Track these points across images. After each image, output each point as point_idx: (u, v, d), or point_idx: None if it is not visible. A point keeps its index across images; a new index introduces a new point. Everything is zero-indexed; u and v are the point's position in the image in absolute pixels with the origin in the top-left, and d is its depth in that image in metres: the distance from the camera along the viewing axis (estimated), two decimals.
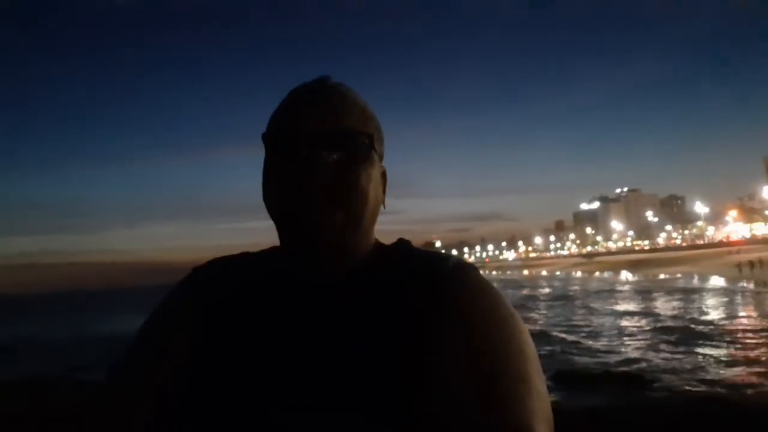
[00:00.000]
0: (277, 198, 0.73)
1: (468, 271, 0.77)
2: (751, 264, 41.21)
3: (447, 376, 0.65)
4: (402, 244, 0.82)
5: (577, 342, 17.38)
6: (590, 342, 17.17)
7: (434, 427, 0.62)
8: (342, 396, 0.67)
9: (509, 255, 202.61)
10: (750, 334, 15.89)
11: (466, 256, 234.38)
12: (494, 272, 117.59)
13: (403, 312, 0.71)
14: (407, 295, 0.73)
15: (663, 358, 13.64)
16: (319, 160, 0.69)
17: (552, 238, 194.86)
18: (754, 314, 20.14)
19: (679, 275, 48.88)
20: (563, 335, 19.03)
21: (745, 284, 33.84)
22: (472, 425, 0.61)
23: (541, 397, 0.64)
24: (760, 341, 14.70)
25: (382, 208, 0.80)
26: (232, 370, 0.71)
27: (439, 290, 0.73)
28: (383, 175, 0.81)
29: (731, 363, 12.46)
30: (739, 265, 42.30)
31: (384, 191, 0.81)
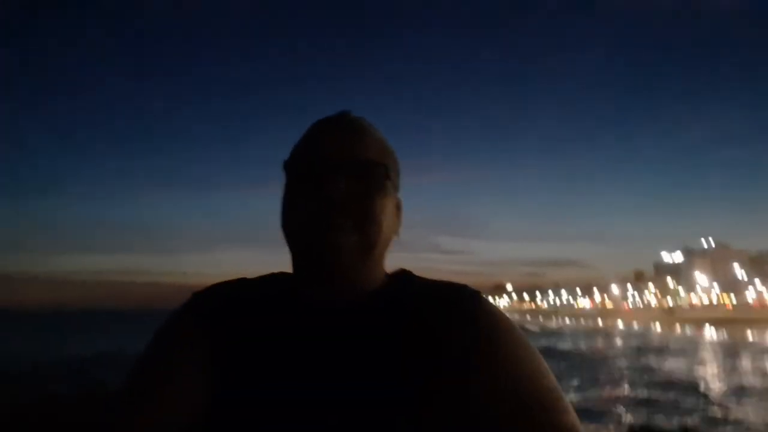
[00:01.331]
0: (297, 222, 0.77)
1: (483, 296, 0.82)
2: None
3: (502, 389, 0.72)
4: (405, 273, 0.85)
5: (654, 400, 16.68)
6: (661, 407, 16.45)
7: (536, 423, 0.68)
8: (366, 419, 0.70)
9: (584, 302, 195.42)
10: None
11: (538, 300, 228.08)
12: (567, 320, 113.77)
13: (423, 334, 0.75)
14: (428, 318, 0.76)
15: (741, 421, 12.93)
16: (337, 188, 0.74)
17: (630, 287, 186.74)
18: None
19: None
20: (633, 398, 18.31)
21: None
22: (542, 427, 0.69)
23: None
24: None
25: (395, 237, 0.84)
26: (260, 396, 0.72)
27: (461, 312, 0.76)
28: (398, 206, 0.86)
29: None
30: None
31: (399, 221, 0.86)
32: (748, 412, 14.45)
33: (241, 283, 0.87)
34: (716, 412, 14.74)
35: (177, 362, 0.77)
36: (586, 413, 14.63)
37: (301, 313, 0.78)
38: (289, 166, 0.81)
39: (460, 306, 0.77)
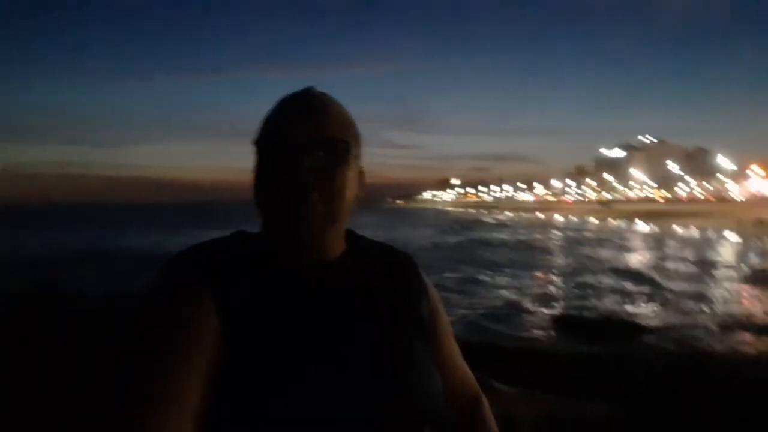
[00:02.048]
0: (268, 196, 0.85)
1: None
2: (759, 222, 42.70)
3: (448, 341, 1.02)
4: (351, 233, 0.97)
5: (580, 290, 17.70)
6: (592, 292, 17.48)
7: (460, 381, 1.03)
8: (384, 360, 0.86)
9: (526, 196, 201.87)
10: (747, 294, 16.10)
11: (482, 194, 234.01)
12: (508, 213, 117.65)
13: (401, 290, 0.95)
14: (399, 276, 0.97)
15: (662, 312, 13.94)
16: (304, 163, 0.83)
17: (571, 182, 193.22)
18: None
19: (694, 230, 48.75)
20: (565, 283, 19.36)
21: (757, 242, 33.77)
22: (471, 379, 1.06)
23: None
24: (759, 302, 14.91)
25: (356, 202, 0.92)
26: (278, 361, 0.78)
27: (418, 282, 0.99)
28: (361, 173, 0.93)
29: (725, 321, 12.71)
30: (738, 221, 44.34)
31: (361, 187, 0.93)
32: (665, 292, 15.64)
33: (220, 246, 0.89)
34: (638, 295, 15.88)
35: (190, 342, 0.76)
36: (516, 306, 15.50)
37: (293, 281, 0.85)
38: (259, 143, 0.88)
39: (415, 277, 0.99)
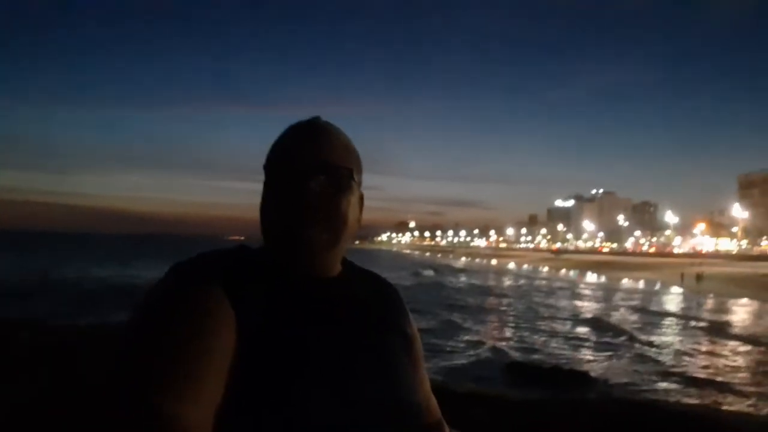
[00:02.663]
0: (275, 220, 0.91)
1: None
2: (698, 275, 45.22)
3: (421, 365, 1.07)
4: (344, 258, 1.02)
5: (532, 338, 17.89)
6: (546, 338, 17.70)
7: (428, 402, 1.08)
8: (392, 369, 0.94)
9: (480, 242, 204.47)
10: (693, 347, 16.56)
11: (438, 239, 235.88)
12: (463, 258, 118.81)
13: (389, 308, 1.03)
14: (387, 296, 1.05)
15: (609, 360, 14.18)
16: (311, 190, 0.89)
17: (524, 230, 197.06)
18: (701, 324, 20.90)
19: (641, 281, 50.14)
20: (519, 330, 19.55)
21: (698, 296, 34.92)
22: (435, 405, 1.12)
23: None
24: (703, 356, 15.36)
25: (358, 226, 0.98)
26: (297, 364, 0.82)
27: (402, 306, 1.07)
28: (361, 198, 0.99)
29: (670, 371, 13.03)
30: (682, 275, 46.76)
31: (361, 211, 0.99)
32: (615, 339, 15.97)
33: (227, 254, 0.93)
34: (588, 343, 16.14)
35: (208, 331, 0.77)
36: (476, 345, 15.53)
37: (299, 290, 0.90)
38: (268, 169, 0.94)
39: (399, 300, 1.08)
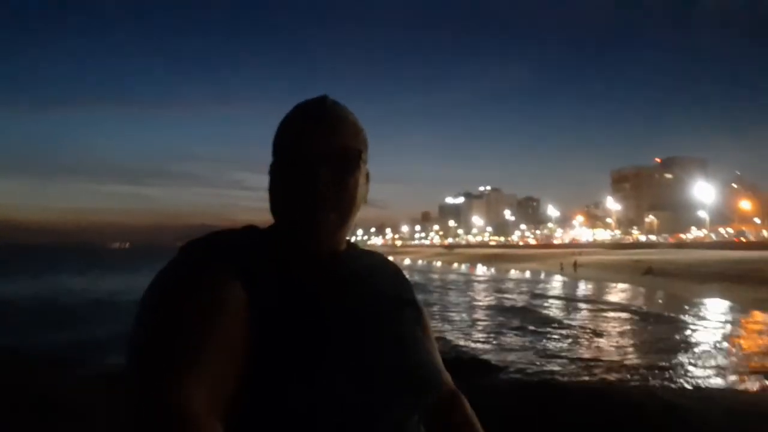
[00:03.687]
0: (285, 202, 0.91)
1: None
2: (575, 264, 49.60)
3: (431, 336, 1.06)
4: (349, 240, 1.03)
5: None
6: (445, 328, 18.16)
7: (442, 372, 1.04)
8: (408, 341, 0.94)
9: (377, 241, 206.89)
10: (574, 329, 17.66)
11: None
12: None
13: (397, 281, 1.04)
14: (392, 270, 1.07)
15: (507, 345, 14.81)
16: (322, 176, 0.88)
17: (418, 227, 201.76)
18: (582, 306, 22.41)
19: (528, 271, 52.93)
20: None
21: (582, 284, 37.45)
22: (447, 374, 1.06)
23: None
24: (584, 336, 16.43)
25: (364, 204, 0.98)
26: (312, 342, 0.82)
27: (402, 273, 1.10)
28: (367, 176, 0.99)
29: (560, 349, 13.82)
30: (561, 265, 50.98)
31: (367, 189, 0.99)
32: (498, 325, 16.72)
33: (237, 234, 0.93)
34: (486, 332, 16.78)
35: (221, 316, 0.77)
36: None
37: (309, 267, 0.90)
38: (277, 152, 0.94)
39: (402, 274, 1.09)
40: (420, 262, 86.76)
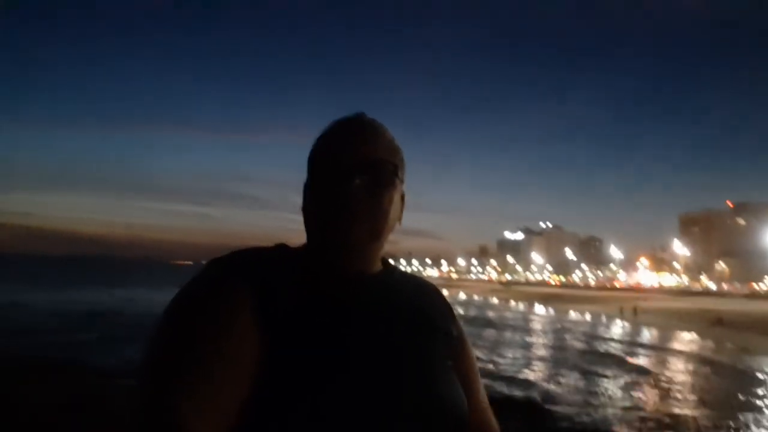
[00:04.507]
0: (318, 210, 0.91)
1: None
2: (634, 309, 48.00)
3: (473, 369, 1.03)
4: (386, 259, 1.02)
5: (487, 369, 18.02)
6: (500, 368, 17.85)
7: (485, 414, 1.02)
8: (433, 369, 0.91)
9: (433, 272, 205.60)
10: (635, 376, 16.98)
11: None
12: None
13: (432, 309, 1.00)
14: (430, 297, 1.03)
15: (561, 390, 14.42)
16: (354, 182, 0.88)
17: (474, 261, 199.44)
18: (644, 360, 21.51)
19: (587, 314, 51.34)
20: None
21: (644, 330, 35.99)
22: (493, 420, 1.04)
23: None
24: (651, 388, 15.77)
25: (398, 224, 0.98)
26: (326, 363, 0.79)
27: (445, 300, 1.06)
28: (402, 196, 0.99)
29: (618, 397, 13.32)
30: (621, 309, 49.41)
31: (402, 209, 0.99)
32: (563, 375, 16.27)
33: (263, 254, 0.91)
34: (543, 375, 16.38)
35: (239, 340, 0.77)
36: None
37: (334, 291, 0.88)
38: (312, 163, 0.94)
39: (444, 302, 1.05)
40: (476, 297, 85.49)
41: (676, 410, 12.54)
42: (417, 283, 1.05)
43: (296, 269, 0.88)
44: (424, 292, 1.03)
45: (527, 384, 15.11)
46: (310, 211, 0.92)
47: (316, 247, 0.92)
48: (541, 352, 22.61)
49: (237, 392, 0.74)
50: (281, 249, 0.93)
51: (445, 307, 1.05)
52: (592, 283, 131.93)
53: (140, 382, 0.73)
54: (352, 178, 0.88)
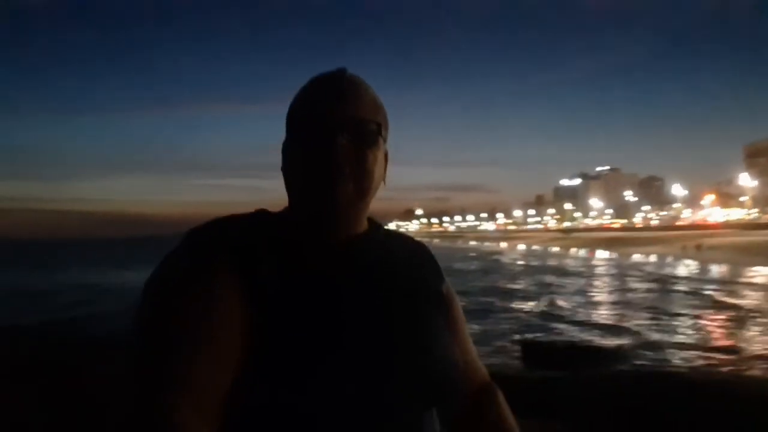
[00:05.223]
0: (300, 172, 0.87)
1: None
2: (697, 246, 47.29)
3: (462, 326, 1.04)
4: (373, 220, 0.99)
5: (549, 314, 17.95)
6: (564, 314, 17.75)
7: (473, 365, 1.04)
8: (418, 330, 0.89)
9: (489, 226, 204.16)
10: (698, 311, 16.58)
11: (446, 225, 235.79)
12: (472, 242, 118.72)
13: (421, 268, 0.99)
14: (418, 257, 1.01)
15: (630, 333, 14.24)
16: (336, 142, 0.84)
17: (531, 211, 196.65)
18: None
19: (652, 255, 50.09)
20: (533, 309, 19.59)
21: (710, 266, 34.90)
22: (482, 368, 1.07)
23: None
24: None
25: (382, 184, 0.95)
26: (316, 334, 0.78)
27: (433, 259, 1.04)
28: (386, 156, 0.95)
29: (690, 338, 13.07)
30: (684, 247, 48.92)
31: (386, 170, 0.95)
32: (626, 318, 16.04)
33: (244, 222, 0.88)
34: (606, 320, 16.21)
35: (217, 321, 0.74)
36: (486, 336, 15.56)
37: (320, 254, 0.86)
38: (292, 121, 0.90)
39: (432, 261, 1.04)
40: (535, 247, 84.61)
41: (750, 347, 12.22)
42: (405, 243, 1.03)
43: (278, 237, 0.85)
44: (412, 250, 1.02)
45: (611, 329, 14.98)
46: (290, 172, 0.89)
47: (298, 210, 0.89)
48: (614, 296, 22.28)
49: (226, 375, 0.72)
50: (261, 215, 0.91)
51: (433, 264, 1.03)
52: (656, 223, 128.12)
53: (127, 375, 0.72)
54: (334, 137, 0.84)
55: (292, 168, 0.89)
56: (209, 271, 0.78)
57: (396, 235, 1.03)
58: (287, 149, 0.91)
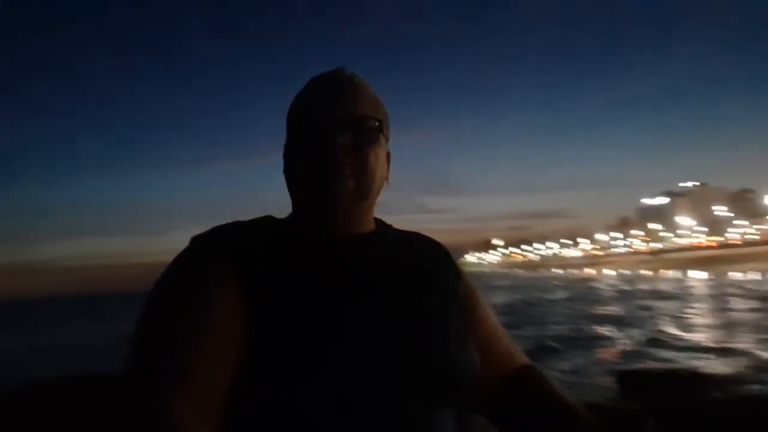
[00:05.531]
0: (302, 172, 0.87)
1: None
2: None
3: (489, 319, 1.03)
4: (380, 220, 0.99)
5: (652, 340, 17.28)
6: (663, 341, 17.03)
7: (507, 352, 1.03)
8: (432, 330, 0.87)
9: (575, 253, 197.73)
10: None
11: (528, 253, 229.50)
12: (556, 270, 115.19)
13: (429, 265, 0.97)
14: (427, 254, 1.00)
15: (733, 358, 13.50)
16: (337, 142, 0.84)
17: (615, 234, 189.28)
18: None
19: (750, 273, 46.97)
20: (628, 337, 18.89)
21: None
22: (520, 352, 1.05)
23: None
24: None
25: (386, 184, 0.95)
26: (316, 330, 0.77)
27: (448, 255, 1.03)
28: (388, 156, 0.95)
29: None
30: None
31: (389, 169, 0.95)
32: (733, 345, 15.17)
33: (246, 227, 0.89)
34: (705, 345, 15.40)
35: (215, 324, 0.74)
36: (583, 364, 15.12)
37: (323, 251, 0.85)
38: (292, 121, 0.90)
39: (446, 257, 1.01)
40: (624, 271, 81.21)
41: None
42: (417, 242, 1.02)
43: (279, 238, 0.86)
44: (425, 251, 1.00)
45: (719, 352, 14.31)
46: (291, 173, 0.89)
47: (300, 212, 0.90)
48: (718, 318, 21.18)
49: (225, 376, 0.73)
50: (266, 220, 0.92)
51: (449, 262, 1.01)
52: (756, 238, 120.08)
53: (126, 382, 0.72)
54: (333, 136, 0.84)
55: (293, 169, 0.89)
56: (208, 273, 0.78)
57: (408, 234, 1.02)
58: (287, 151, 0.91)
